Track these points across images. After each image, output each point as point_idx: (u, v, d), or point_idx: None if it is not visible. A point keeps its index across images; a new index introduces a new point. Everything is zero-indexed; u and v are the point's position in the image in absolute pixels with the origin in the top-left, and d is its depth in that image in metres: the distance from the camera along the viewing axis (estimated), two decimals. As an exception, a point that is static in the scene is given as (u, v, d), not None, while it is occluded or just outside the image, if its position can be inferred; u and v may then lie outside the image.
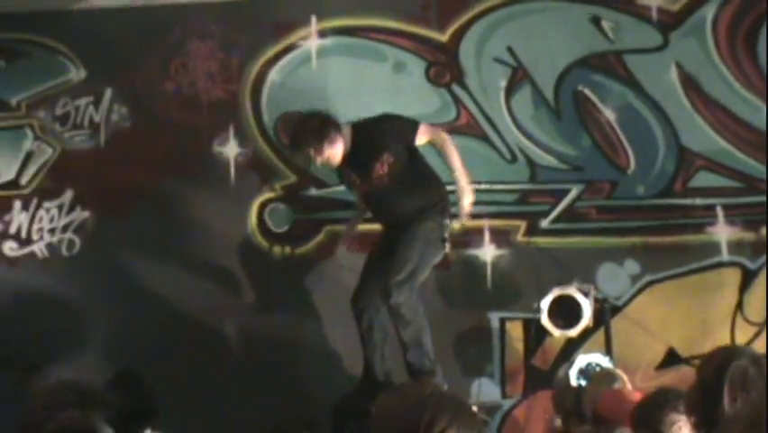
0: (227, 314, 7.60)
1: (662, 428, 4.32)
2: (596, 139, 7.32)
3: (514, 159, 7.38)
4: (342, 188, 7.03)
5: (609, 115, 7.26)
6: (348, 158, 6.54)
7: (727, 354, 3.69)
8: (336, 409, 6.25)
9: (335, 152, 6.50)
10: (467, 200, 6.38)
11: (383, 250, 6.70)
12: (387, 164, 6.59)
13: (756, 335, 6.98)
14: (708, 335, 6.92)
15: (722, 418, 3.42)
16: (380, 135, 6.63)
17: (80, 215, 7.60)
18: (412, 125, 6.67)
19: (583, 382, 5.58)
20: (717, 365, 3.55)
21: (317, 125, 6.43)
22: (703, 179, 7.13)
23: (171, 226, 7.62)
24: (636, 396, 5.21)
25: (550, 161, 7.38)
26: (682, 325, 7.11)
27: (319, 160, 6.50)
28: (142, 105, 7.73)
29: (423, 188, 6.61)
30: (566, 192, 7.33)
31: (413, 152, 6.60)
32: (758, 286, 6.98)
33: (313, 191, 7.59)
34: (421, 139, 6.61)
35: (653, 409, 4.43)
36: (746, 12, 7.14)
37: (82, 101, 7.71)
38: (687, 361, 6.88)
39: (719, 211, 7.04)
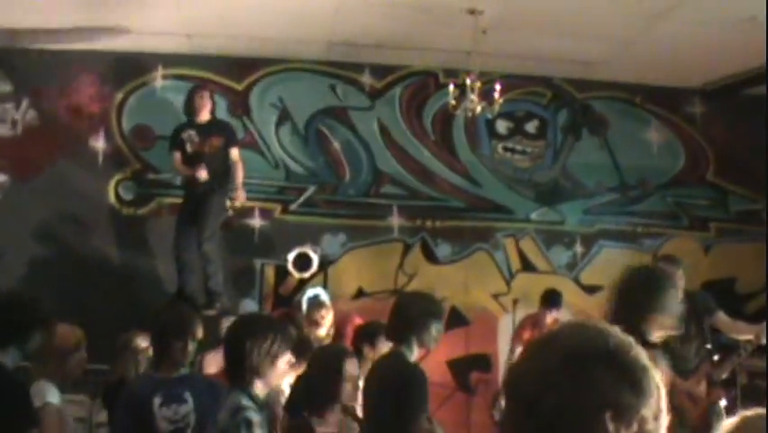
0: (96, 249, 9.38)
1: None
2: (327, 158, 10.21)
3: (277, 166, 10.11)
4: (168, 174, 9.42)
5: (336, 145, 10.23)
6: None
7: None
8: (156, 313, 6.48)
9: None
10: (241, 193, 8.85)
11: (191, 212, 8.70)
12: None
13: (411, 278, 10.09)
14: (384, 280, 10.05)
15: None
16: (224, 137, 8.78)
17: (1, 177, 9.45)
18: (236, 139, 9.04)
19: (305, 304, 8.20)
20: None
21: None
22: (388, 189, 10.25)
23: (62, 191, 9.37)
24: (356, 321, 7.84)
25: (298, 168, 10.16)
26: (369, 272, 10.05)
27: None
28: (47, 111, 9.63)
29: (224, 178, 8.82)
30: (307, 189, 10.14)
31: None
32: (412, 255, 10.16)
33: (150, 175, 9.82)
34: (234, 151, 8.96)
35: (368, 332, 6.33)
36: (418, 93, 10.36)
37: (8, 105, 9.61)
38: (372, 294, 9.89)
39: (395, 209, 10.19)
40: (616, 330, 1.60)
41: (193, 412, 4.70)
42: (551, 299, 8.86)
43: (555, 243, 10.60)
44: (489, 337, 9.42)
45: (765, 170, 9.92)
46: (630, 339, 1.57)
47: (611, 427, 1.48)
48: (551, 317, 8.72)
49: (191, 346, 4.80)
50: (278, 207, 10.07)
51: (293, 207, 10.09)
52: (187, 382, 4.84)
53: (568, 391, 1.50)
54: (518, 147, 10.62)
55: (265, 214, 9.99)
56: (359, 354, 5.63)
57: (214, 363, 6.74)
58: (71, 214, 9.49)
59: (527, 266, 10.36)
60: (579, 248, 10.66)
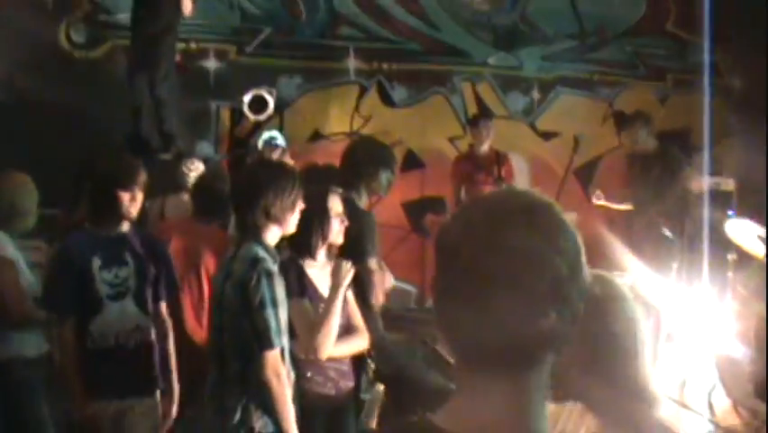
0: (47, 94, 8.92)
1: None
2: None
3: (232, 6, 9.84)
4: (122, 15, 9.11)
5: None
6: None
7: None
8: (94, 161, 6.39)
9: None
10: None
11: (143, 54, 8.48)
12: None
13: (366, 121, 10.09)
14: (340, 123, 10.09)
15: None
16: None
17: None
18: None
19: (261, 146, 8.35)
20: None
21: None
22: (344, 30, 10.14)
23: (10, 35, 8.99)
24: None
25: (254, 9, 9.96)
26: (325, 115, 10.08)
27: None
28: None
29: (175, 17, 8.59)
30: (263, 30, 9.99)
31: None
32: (368, 97, 10.23)
33: (102, 17, 9.60)
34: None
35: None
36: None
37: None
38: (328, 137, 9.95)
39: (351, 51, 10.10)
40: (538, 193, 1.66)
41: (134, 275, 4.50)
42: (472, 120, 9.24)
43: (512, 88, 10.64)
44: (444, 180, 9.48)
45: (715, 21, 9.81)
46: (551, 201, 1.63)
47: (522, 268, 1.55)
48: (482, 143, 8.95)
49: (139, 197, 4.49)
50: (233, 49, 9.96)
51: (249, 48, 9.97)
52: (127, 241, 4.56)
53: (485, 239, 1.57)
54: (478, -10, 10.41)
55: (220, 56, 9.87)
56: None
57: (175, 208, 6.77)
58: (21, 58, 9.11)
59: (484, 111, 10.34)
60: (536, 94, 10.71)
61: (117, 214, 4.48)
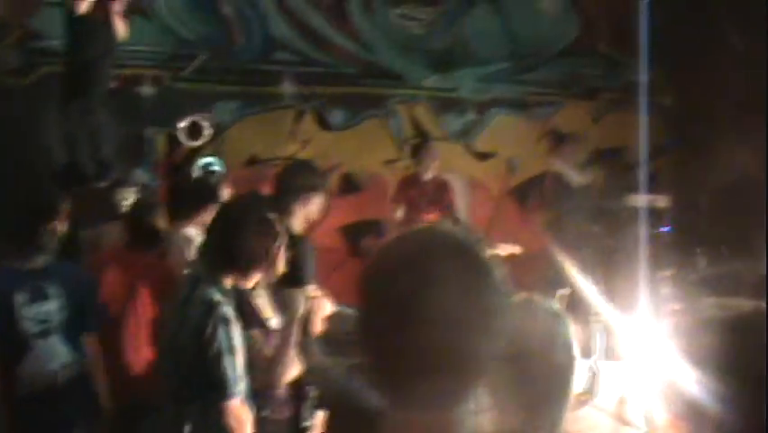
0: None
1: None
2: (219, 24, 9.95)
3: (166, 31, 9.79)
4: (55, 41, 8.85)
5: (228, 10, 9.94)
6: None
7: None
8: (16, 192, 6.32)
9: None
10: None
11: (78, 80, 8.30)
12: None
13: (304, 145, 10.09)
14: (277, 147, 9.92)
15: None
16: None
17: None
18: None
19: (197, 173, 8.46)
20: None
21: None
22: (280, 55, 10.07)
23: None
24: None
25: (189, 34, 9.90)
26: (262, 140, 9.99)
27: None
28: None
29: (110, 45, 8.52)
30: (198, 55, 9.93)
31: None
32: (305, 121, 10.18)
33: (35, 42, 9.44)
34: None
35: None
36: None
37: None
38: (265, 162, 9.73)
39: (288, 76, 10.04)
40: (464, 230, 1.72)
41: (61, 310, 4.38)
42: (415, 150, 9.18)
43: (448, 110, 10.69)
44: (382, 203, 9.51)
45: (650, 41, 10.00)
46: (479, 238, 1.70)
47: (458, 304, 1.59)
48: (427, 175, 8.97)
49: (59, 228, 4.43)
50: (168, 75, 9.89)
51: (184, 74, 9.92)
52: (53, 275, 4.41)
53: (422, 276, 1.61)
54: (413, 13, 10.53)
55: (155, 81, 9.79)
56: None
57: (111, 238, 6.65)
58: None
59: (420, 133, 10.41)
60: (471, 115, 10.77)
61: (37, 246, 4.37)
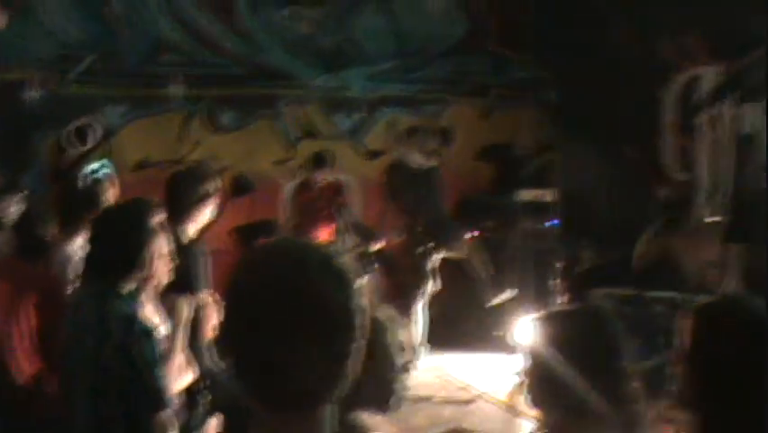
0: None
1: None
2: (105, 26, 9.83)
3: (51, 34, 9.60)
4: None
5: (114, 11, 9.80)
6: None
7: None
8: None
9: None
10: None
11: None
12: None
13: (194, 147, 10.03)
14: (168, 150, 9.88)
15: None
16: None
17: None
18: None
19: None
20: None
21: None
22: (169, 57, 10.01)
23: None
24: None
25: (75, 37, 9.73)
26: (153, 143, 9.92)
27: None
28: None
29: None
30: (85, 58, 9.78)
31: None
32: (195, 123, 10.15)
33: None
34: None
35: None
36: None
37: None
38: (156, 165, 9.63)
39: (176, 77, 9.93)
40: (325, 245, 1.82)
41: None
42: (317, 160, 9.21)
43: (338, 109, 10.77)
44: (274, 204, 9.54)
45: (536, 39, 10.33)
46: (337, 250, 1.82)
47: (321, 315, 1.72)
48: (321, 178, 9.16)
49: None
50: (55, 78, 9.72)
51: (71, 77, 9.77)
52: None
53: (287, 288, 1.73)
54: (301, 13, 10.56)
55: (42, 85, 9.63)
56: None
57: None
58: None
59: (310, 133, 10.45)
60: (362, 114, 10.83)
61: None
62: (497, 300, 9.41)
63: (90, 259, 4.00)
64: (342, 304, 1.73)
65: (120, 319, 3.68)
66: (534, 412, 2.73)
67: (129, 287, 3.84)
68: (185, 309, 4.21)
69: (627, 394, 2.53)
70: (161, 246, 4.08)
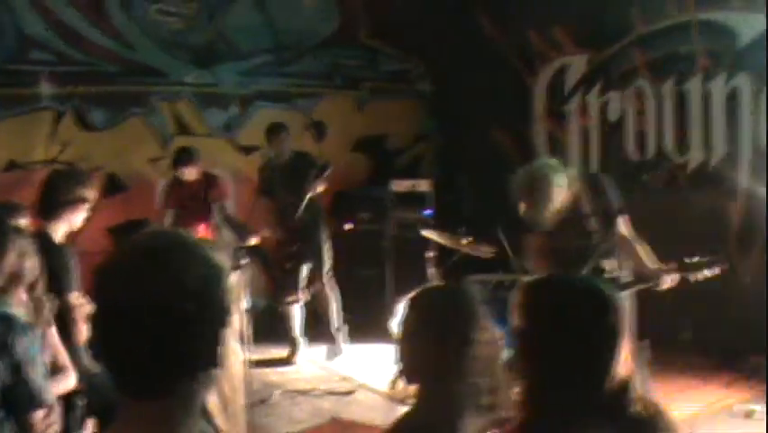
0: None
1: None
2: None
3: None
4: None
5: None
6: None
7: None
8: None
9: None
10: None
11: None
12: None
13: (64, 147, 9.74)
14: (37, 150, 9.65)
15: None
16: None
17: None
18: None
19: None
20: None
21: None
22: (35, 54, 9.67)
23: None
24: None
25: None
26: (20, 143, 9.60)
27: None
28: None
29: None
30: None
31: None
32: (64, 123, 9.89)
33: None
34: None
35: None
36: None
37: None
38: (24, 166, 9.46)
39: (44, 76, 9.67)
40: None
41: None
42: (177, 157, 9.12)
43: (211, 105, 10.72)
44: (149, 202, 9.48)
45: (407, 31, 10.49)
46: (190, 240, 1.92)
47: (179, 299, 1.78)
48: (188, 173, 9.05)
49: None
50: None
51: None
52: None
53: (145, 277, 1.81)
54: (172, 8, 10.45)
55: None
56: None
57: None
58: None
59: (184, 129, 10.40)
60: (235, 109, 10.82)
61: None
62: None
63: None
64: (205, 290, 1.80)
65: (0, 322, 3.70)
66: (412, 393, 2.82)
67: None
68: (45, 310, 4.19)
69: (473, 367, 2.67)
70: (25, 247, 4.09)
